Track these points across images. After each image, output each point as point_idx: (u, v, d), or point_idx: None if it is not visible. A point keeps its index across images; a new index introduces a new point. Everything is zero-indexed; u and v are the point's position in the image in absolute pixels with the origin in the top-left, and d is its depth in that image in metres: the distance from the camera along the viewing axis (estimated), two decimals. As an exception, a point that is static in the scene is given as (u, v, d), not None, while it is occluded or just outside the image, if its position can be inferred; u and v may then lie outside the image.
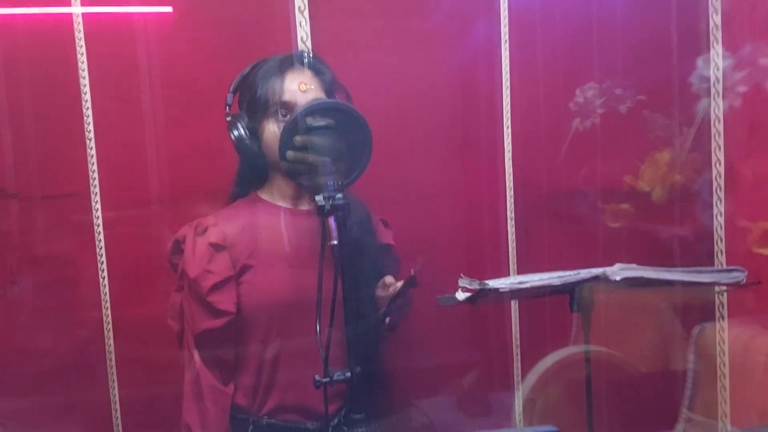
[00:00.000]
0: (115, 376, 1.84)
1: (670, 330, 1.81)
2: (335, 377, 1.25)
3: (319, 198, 1.25)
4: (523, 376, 1.92)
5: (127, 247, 1.84)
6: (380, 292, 1.46)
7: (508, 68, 1.93)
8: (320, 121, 1.31)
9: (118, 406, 1.86)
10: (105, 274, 1.82)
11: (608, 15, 1.93)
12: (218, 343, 1.45)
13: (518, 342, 1.97)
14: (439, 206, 1.98)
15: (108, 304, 1.83)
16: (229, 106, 1.54)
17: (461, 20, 1.97)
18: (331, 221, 1.25)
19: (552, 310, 1.89)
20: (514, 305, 1.96)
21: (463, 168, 2.00)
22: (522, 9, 1.92)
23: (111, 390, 1.85)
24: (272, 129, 1.45)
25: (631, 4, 1.93)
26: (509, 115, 1.94)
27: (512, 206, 1.96)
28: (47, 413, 1.80)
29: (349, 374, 1.25)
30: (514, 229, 1.97)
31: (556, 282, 1.25)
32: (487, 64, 1.94)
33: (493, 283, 1.24)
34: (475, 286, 1.27)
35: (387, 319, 1.41)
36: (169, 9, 1.83)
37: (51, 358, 1.82)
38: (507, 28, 1.92)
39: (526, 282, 1.24)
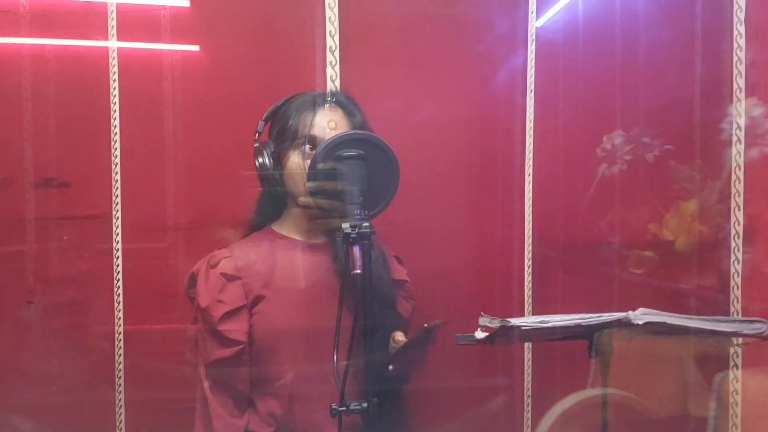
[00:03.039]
0: (122, 402, 1.83)
1: (689, 378, 1.79)
2: (352, 407, 1.24)
3: (345, 225, 1.25)
4: (534, 420, 1.90)
5: (145, 271, 1.85)
6: (392, 344, 1.47)
7: (532, 117, 1.95)
8: (350, 151, 1.33)
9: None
10: (120, 298, 1.83)
11: (633, 66, 1.96)
12: (230, 372, 1.45)
13: (530, 389, 1.95)
14: (456, 250, 1.98)
15: (121, 329, 1.82)
16: (259, 133, 1.56)
17: (488, 68, 2.00)
18: (356, 250, 1.25)
19: (564, 358, 1.87)
20: (527, 353, 1.95)
21: (483, 214, 2.01)
22: (548, 59, 1.95)
23: (117, 411, 1.83)
24: (296, 160, 1.47)
25: (658, 54, 1.96)
26: (531, 162, 1.95)
27: (530, 254, 1.96)
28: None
29: (365, 404, 1.23)
30: (531, 277, 1.96)
31: (579, 323, 1.24)
32: (512, 113, 1.96)
33: (515, 321, 1.23)
34: (496, 324, 1.26)
35: (390, 367, 1.39)
36: (196, 48, 1.87)
37: (59, 382, 1.81)
38: (533, 78, 1.95)
39: (548, 322, 1.23)
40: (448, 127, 1.96)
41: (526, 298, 1.96)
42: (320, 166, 1.33)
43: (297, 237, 1.54)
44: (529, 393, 1.94)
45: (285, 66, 1.87)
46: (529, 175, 1.95)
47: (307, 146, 1.47)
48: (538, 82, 1.94)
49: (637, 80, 1.96)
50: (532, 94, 1.94)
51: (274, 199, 1.54)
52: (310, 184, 1.36)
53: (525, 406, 1.95)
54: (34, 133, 1.80)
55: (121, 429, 1.83)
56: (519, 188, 1.95)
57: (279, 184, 1.50)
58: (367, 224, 1.25)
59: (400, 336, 1.46)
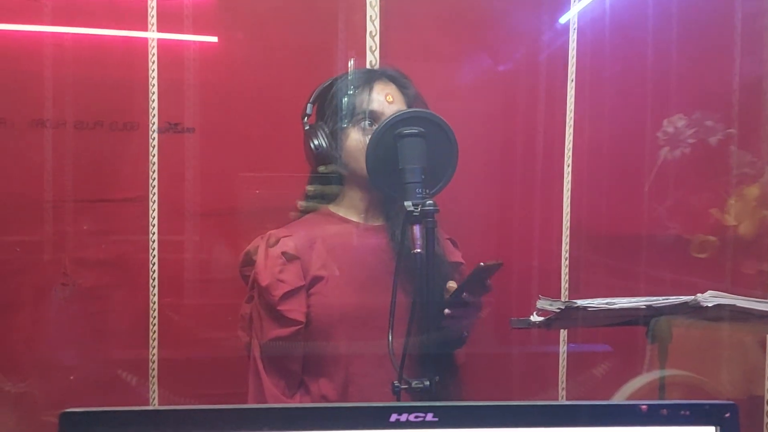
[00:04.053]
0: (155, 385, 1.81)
1: (751, 362, 1.77)
2: (414, 385, 1.21)
3: (407, 203, 1.23)
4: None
5: (180, 256, 1.83)
6: (446, 296, 1.43)
7: (573, 107, 1.93)
8: (410, 129, 1.31)
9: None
10: (156, 282, 1.81)
11: (676, 53, 1.94)
12: (285, 352, 1.42)
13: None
14: (493, 238, 1.96)
15: (156, 313, 1.80)
16: (308, 116, 1.53)
17: (527, 57, 1.98)
18: (416, 229, 1.23)
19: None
20: (562, 346, 1.93)
21: (521, 203, 1.99)
22: (589, 47, 1.93)
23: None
24: (356, 137, 1.44)
25: (703, 41, 1.95)
26: (570, 153, 1.93)
27: (567, 246, 1.94)
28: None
29: (428, 383, 1.21)
30: (567, 269, 1.94)
31: (647, 304, 1.22)
32: (551, 102, 1.94)
33: (580, 303, 1.21)
34: (559, 306, 1.24)
35: (447, 311, 1.34)
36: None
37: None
38: (575, 67, 1.93)
39: (615, 303, 1.21)
40: (486, 116, 1.95)
41: (561, 292, 1.94)
42: (380, 145, 1.31)
43: (355, 218, 1.51)
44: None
45: (324, 51, 1.85)
46: (569, 166, 1.93)
47: (367, 122, 1.44)
48: (579, 71, 1.92)
49: (679, 67, 1.94)
50: (573, 84, 1.92)
51: (332, 180, 1.51)
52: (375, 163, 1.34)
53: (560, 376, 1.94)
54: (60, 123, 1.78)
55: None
56: (558, 181, 1.93)
57: (339, 166, 1.47)
58: (430, 202, 1.23)
59: (452, 284, 1.42)
